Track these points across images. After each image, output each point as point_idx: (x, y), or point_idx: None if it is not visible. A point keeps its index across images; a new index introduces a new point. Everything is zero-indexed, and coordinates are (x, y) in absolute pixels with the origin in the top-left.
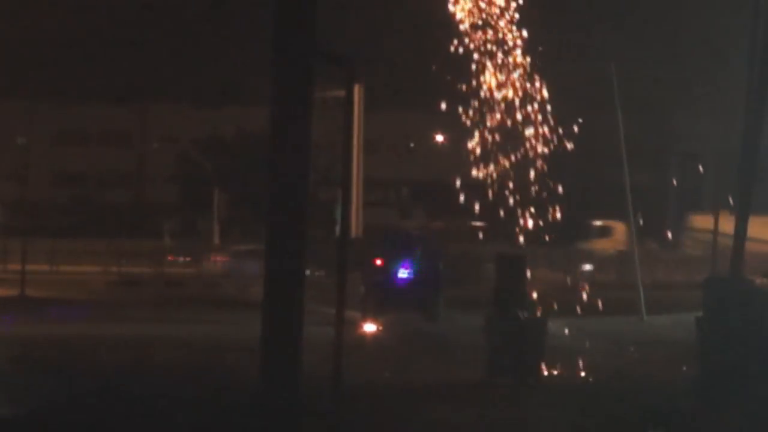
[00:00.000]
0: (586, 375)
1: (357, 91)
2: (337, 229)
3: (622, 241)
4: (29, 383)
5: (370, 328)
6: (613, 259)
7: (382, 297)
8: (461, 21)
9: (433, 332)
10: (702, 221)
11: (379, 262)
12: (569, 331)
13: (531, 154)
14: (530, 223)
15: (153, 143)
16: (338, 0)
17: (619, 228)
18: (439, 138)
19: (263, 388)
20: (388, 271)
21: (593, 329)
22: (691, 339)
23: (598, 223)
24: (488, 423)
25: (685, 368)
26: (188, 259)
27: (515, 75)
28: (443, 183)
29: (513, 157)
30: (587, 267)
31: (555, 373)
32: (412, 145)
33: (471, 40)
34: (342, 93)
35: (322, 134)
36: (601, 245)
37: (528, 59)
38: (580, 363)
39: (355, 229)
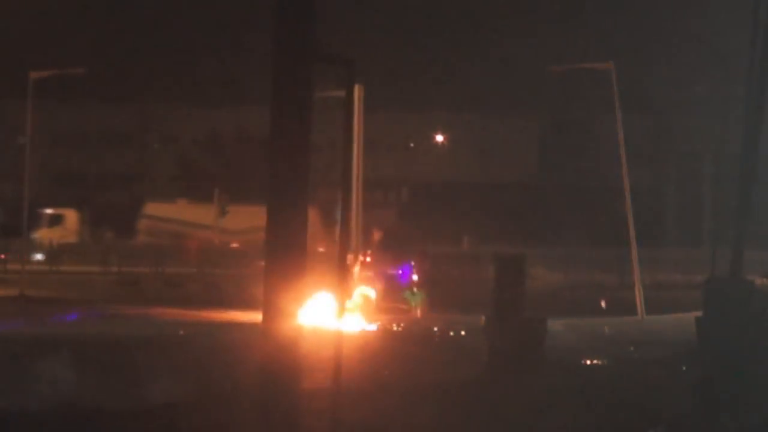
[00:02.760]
0: (585, 375)
1: (357, 91)
2: (337, 229)
3: (73, 229)
4: (28, 382)
5: (369, 326)
6: (66, 248)
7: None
8: None
9: (431, 331)
10: (157, 208)
11: (368, 259)
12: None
13: None
14: None
15: (153, 143)
16: (338, 1)
17: (71, 216)
18: (439, 138)
19: (263, 387)
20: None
21: (591, 329)
22: (691, 339)
23: (49, 211)
24: (489, 422)
25: (684, 368)
26: (2, 256)
27: None
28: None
29: None
30: (38, 256)
31: (554, 372)
32: (412, 145)
33: None
34: (342, 93)
35: (322, 134)
36: (51, 234)
37: None
38: (580, 362)
39: (356, 229)
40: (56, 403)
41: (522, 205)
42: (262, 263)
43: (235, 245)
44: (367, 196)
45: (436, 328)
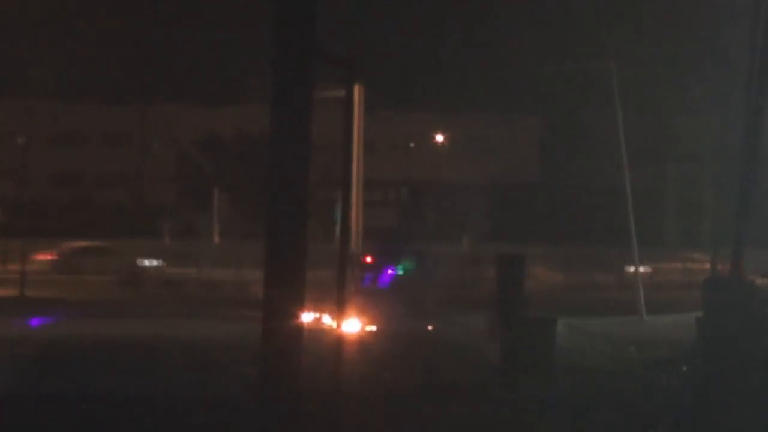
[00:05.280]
0: (586, 375)
1: (357, 91)
2: (337, 229)
3: None
4: (28, 382)
5: (369, 327)
6: None
7: (372, 295)
8: None
9: (431, 331)
10: None
11: (369, 259)
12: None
13: None
14: None
15: (153, 143)
16: (339, 1)
17: None
18: (439, 138)
19: (263, 387)
20: (378, 269)
21: (592, 329)
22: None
23: None
24: (490, 423)
25: (684, 368)
26: None
27: None
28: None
29: None
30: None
31: (554, 372)
32: (412, 145)
33: None
34: (342, 93)
35: (322, 134)
36: None
37: None
38: (580, 362)
39: (355, 229)
40: None
41: (522, 205)
42: None
43: None
44: (367, 196)
45: (432, 328)
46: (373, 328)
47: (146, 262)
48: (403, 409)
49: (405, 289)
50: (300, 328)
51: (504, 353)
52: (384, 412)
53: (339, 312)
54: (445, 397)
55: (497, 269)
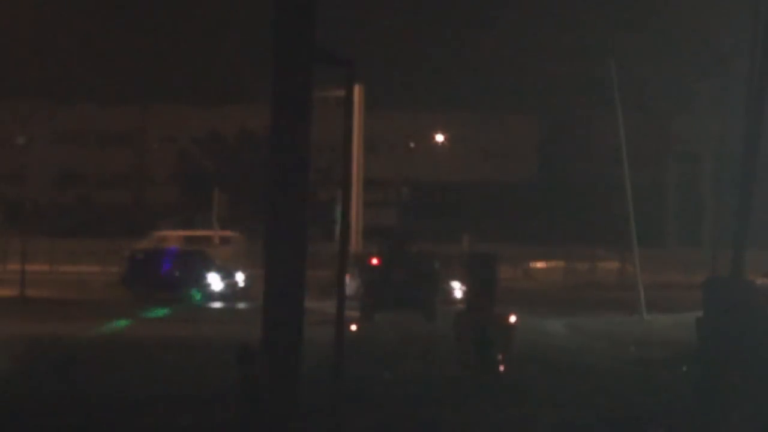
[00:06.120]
0: (585, 375)
1: (357, 91)
2: (337, 229)
3: None
4: (27, 383)
5: (367, 327)
6: None
7: (379, 296)
8: None
9: (431, 331)
10: None
11: (375, 261)
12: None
13: None
14: None
15: (153, 143)
16: (338, 1)
17: None
18: (439, 138)
19: (263, 387)
20: (385, 270)
21: (592, 328)
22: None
23: None
24: (491, 423)
25: (685, 368)
26: None
27: None
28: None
29: None
30: None
31: (554, 371)
32: (412, 145)
33: None
34: (342, 93)
35: (322, 134)
36: None
37: None
38: (580, 362)
39: (355, 229)
40: None
41: (522, 205)
42: None
43: None
44: (367, 196)
45: (434, 327)
46: (371, 327)
47: None
48: (400, 408)
49: (413, 292)
50: (300, 327)
51: (465, 351)
52: (382, 411)
53: (339, 311)
54: (440, 395)
55: (469, 267)
